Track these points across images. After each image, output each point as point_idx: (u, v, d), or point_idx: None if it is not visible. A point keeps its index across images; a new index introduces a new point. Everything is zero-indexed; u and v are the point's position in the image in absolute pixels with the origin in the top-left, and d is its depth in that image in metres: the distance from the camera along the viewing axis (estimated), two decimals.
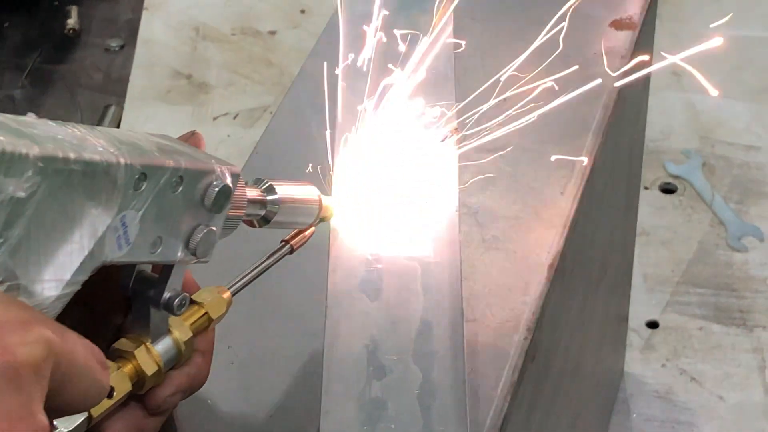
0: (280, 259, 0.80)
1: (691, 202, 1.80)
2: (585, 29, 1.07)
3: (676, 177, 1.83)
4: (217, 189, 0.69)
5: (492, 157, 0.99)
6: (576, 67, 1.02)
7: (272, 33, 2.05)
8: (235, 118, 1.97)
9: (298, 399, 0.83)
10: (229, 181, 0.70)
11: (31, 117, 0.62)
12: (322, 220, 0.82)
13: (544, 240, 0.93)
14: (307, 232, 0.82)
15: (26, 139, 0.57)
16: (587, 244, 1.06)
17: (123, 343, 0.69)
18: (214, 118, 1.97)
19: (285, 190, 0.77)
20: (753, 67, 1.98)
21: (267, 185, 0.77)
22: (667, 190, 1.82)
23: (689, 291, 1.67)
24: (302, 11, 2.09)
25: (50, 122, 0.62)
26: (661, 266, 1.71)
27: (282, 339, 0.87)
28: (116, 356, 0.69)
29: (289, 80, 1.98)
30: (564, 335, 1.01)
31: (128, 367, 0.68)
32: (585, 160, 0.98)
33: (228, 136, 1.95)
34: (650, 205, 1.79)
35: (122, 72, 2.07)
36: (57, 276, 0.60)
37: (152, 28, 2.13)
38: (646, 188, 1.81)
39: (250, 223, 0.76)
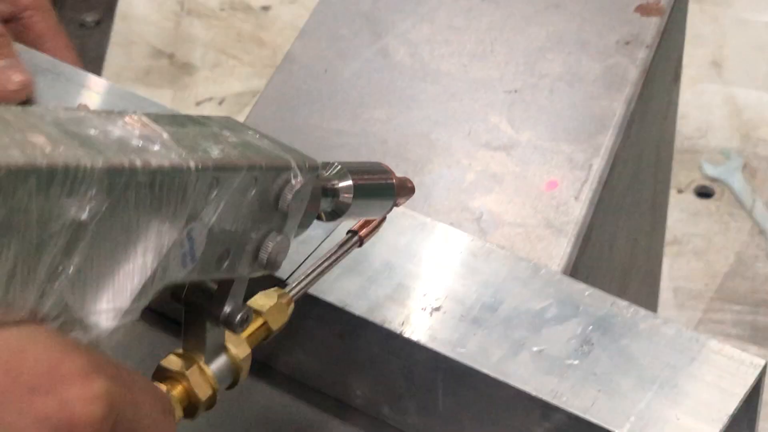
0: (347, 254, 0.75)
1: (729, 208, 1.80)
2: (608, 14, 1.07)
3: (714, 180, 1.83)
4: (295, 189, 0.64)
5: (499, 154, 0.98)
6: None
7: (265, 8, 2.06)
8: (220, 103, 1.98)
9: None
10: (307, 177, 0.65)
11: (83, 111, 0.58)
12: (396, 205, 0.76)
13: (554, 250, 0.92)
14: (378, 222, 0.77)
15: (86, 146, 0.53)
16: (604, 256, 1.05)
17: (172, 362, 0.65)
18: (198, 103, 1.98)
19: (358, 174, 0.71)
20: None
21: (337, 169, 0.70)
22: (703, 194, 1.82)
23: (724, 308, 1.67)
24: None
25: (104, 115, 0.57)
26: (693, 279, 1.70)
27: None
28: (164, 376, 0.65)
29: None
30: None
31: (178, 390, 0.64)
32: (603, 160, 0.98)
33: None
34: (683, 211, 1.79)
35: (98, 50, 2.07)
36: (115, 304, 0.56)
37: (132, 1, 2.13)
38: (680, 191, 1.81)
39: (318, 217, 0.70)
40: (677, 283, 1.70)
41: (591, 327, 0.77)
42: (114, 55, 2.05)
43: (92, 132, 0.55)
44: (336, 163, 0.71)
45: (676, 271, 1.71)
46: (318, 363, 0.84)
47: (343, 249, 0.75)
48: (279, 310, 0.69)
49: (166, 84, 2.00)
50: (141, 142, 0.57)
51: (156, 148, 0.57)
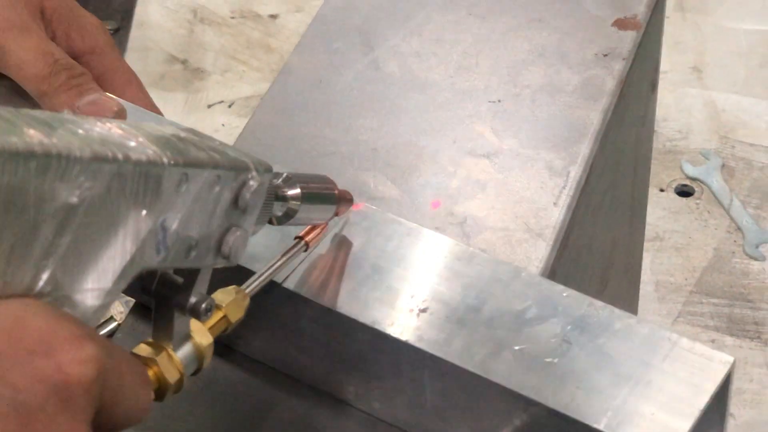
0: (295, 257, 0.79)
1: (709, 206, 1.79)
2: (587, 28, 1.06)
3: (694, 179, 1.82)
4: (252, 188, 0.67)
5: (483, 161, 0.98)
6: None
7: (273, 17, 2.05)
8: (230, 106, 1.97)
9: None
10: (263, 178, 0.68)
11: (67, 114, 0.62)
12: (336, 214, 0.81)
13: (534, 253, 0.92)
14: (321, 228, 0.80)
15: (76, 139, 0.56)
16: (583, 256, 1.04)
17: (143, 349, 0.67)
18: (209, 106, 1.97)
19: (304, 183, 0.75)
20: None
21: (284, 177, 0.74)
22: (684, 192, 1.81)
23: (702, 301, 1.66)
24: None
25: (84, 118, 0.61)
26: (674, 274, 1.69)
27: None
28: None
29: None
30: None
31: (149, 374, 0.66)
32: (581, 167, 0.97)
33: (222, 125, 1.94)
34: (665, 209, 1.78)
35: None
36: (99, 284, 0.59)
37: (148, 10, 2.13)
38: (661, 190, 1.80)
39: (269, 222, 0.74)
40: (658, 277, 1.69)
41: (569, 327, 0.76)
42: (131, 61, 2.03)
43: (79, 130, 0.58)
44: (286, 173, 0.74)
45: (657, 265, 1.70)
46: (312, 360, 0.83)
47: (292, 252, 0.78)
48: (237, 304, 0.72)
49: (179, 88, 1.99)
50: (120, 140, 0.60)
51: (134, 145, 0.60)
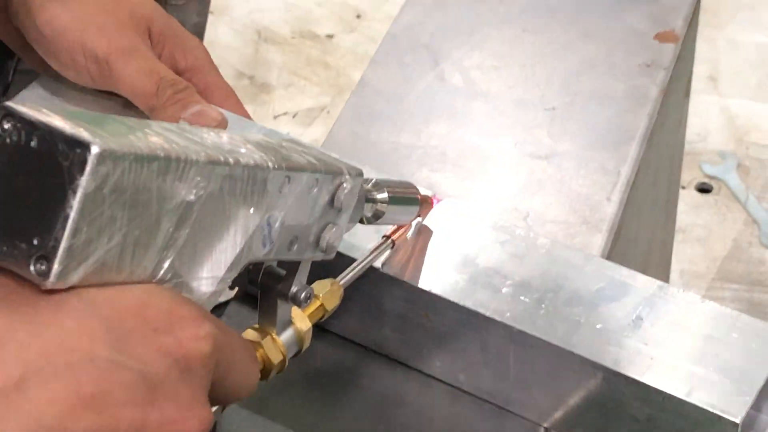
0: (382, 254, 0.80)
1: (726, 201, 1.79)
2: (631, 41, 1.07)
3: (712, 177, 1.82)
4: (346, 190, 0.69)
5: (541, 163, 0.99)
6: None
7: (330, 37, 2.07)
8: (294, 117, 1.98)
9: None
10: (355, 181, 0.70)
11: (184, 124, 0.63)
12: (418, 215, 0.82)
13: (591, 243, 0.92)
14: (405, 227, 0.82)
15: (192, 145, 0.58)
16: (630, 248, 1.05)
17: (250, 333, 0.68)
18: (275, 117, 1.98)
19: (391, 188, 0.77)
20: None
21: (374, 182, 0.76)
22: (704, 189, 1.81)
23: (723, 287, 1.66)
24: (358, 16, 2.10)
25: (199, 128, 0.62)
26: (696, 263, 1.70)
27: None
28: None
29: (345, 82, 1.99)
30: None
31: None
32: (630, 167, 0.98)
33: (288, 133, 1.96)
34: (687, 204, 1.78)
35: None
36: (213, 273, 0.60)
37: (217, 31, 2.14)
38: (683, 188, 1.80)
39: (360, 221, 0.76)
40: (682, 266, 1.69)
41: (641, 305, 0.77)
42: None
43: (194, 137, 0.60)
44: (375, 179, 0.76)
45: (681, 255, 1.71)
46: (401, 338, 0.84)
47: (379, 249, 0.80)
48: (332, 294, 0.73)
49: (247, 101, 2.01)
50: (230, 146, 0.61)
51: (243, 151, 0.62)
